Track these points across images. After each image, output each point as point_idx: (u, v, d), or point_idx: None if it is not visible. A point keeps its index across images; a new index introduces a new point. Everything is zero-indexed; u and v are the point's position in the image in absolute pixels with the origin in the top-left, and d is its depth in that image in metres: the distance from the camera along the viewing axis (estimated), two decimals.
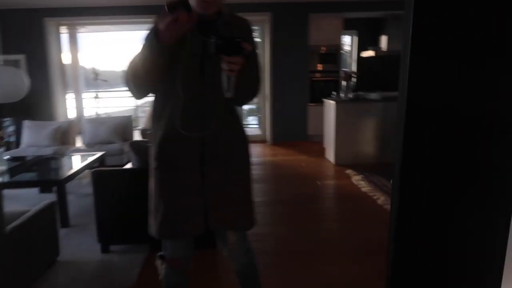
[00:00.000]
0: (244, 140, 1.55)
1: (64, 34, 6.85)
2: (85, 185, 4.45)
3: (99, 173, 2.71)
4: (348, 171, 4.91)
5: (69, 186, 3.92)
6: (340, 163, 5.29)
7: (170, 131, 1.42)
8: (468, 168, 1.11)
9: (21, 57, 6.40)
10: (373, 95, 5.31)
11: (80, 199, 4.13)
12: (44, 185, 4.10)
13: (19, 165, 3.94)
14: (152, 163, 1.50)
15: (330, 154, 5.49)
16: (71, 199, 3.95)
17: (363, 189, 4.20)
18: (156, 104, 1.48)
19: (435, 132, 1.10)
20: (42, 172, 3.76)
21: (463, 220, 1.13)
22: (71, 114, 7.11)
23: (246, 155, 1.57)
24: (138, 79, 1.35)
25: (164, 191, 1.47)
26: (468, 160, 1.11)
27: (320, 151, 5.98)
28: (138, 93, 1.42)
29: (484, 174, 1.11)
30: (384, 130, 5.27)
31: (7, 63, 6.33)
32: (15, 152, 5.04)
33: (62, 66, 6.81)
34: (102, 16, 6.41)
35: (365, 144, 5.32)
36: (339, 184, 4.46)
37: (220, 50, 1.27)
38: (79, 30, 6.92)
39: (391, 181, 1.23)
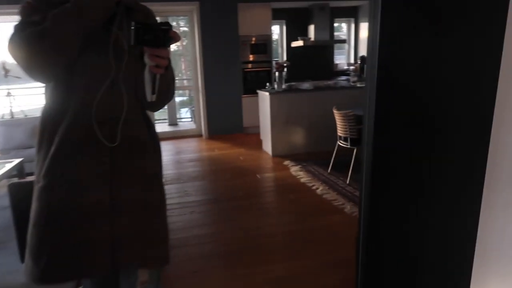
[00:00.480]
0: (158, 151, 1.31)
1: None
2: (2, 196, 3.96)
3: (17, 186, 2.38)
4: (286, 162, 4.94)
5: None
6: (278, 154, 5.31)
7: (66, 138, 1.11)
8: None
9: None
10: (306, 85, 5.39)
11: (1, 212, 3.66)
12: None
13: None
14: (39, 181, 1.15)
15: (267, 146, 5.49)
16: None
17: (302, 180, 4.24)
18: (50, 105, 1.17)
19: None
20: None
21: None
22: None
23: (160, 169, 1.31)
24: (42, 47, 1.04)
25: (54, 217, 1.12)
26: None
27: (257, 143, 5.96)
28: (34, 68, 1.08)
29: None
30: (317, 119, 5.38)
31: None
32: None
33: None
34: (7, 5, 5.72)
35: (300, 134, 5.39)
36: (279, 176, 4.47)
37: (143, 41, 1.04)
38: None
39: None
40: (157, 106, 1.32)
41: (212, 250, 2.79)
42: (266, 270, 2.46)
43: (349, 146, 4.09)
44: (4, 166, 3.66)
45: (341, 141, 4.24)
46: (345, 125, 4.02)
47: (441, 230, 1.15)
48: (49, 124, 1.15)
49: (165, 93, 1.24)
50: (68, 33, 1.05)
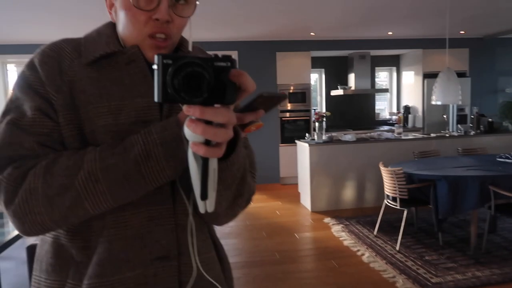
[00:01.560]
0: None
1: (12, 71, 6.28)
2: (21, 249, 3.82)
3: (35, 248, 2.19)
4: (327, 220, 4.56)
5: (10, 249, 3.32)
6: (317, 210, 4.95)
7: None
8: None
9: None
10: (347, 137, 5.09)
11: (22, 266, 3.50)
12: None
13: None
14: None
15: (306, 200, 5.15)
16: (9, 267, 3.34)
17: (345, 242, 3.84)
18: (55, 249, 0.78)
19: None
20: None
21: None
22: None
23: None
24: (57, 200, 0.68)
25: None
26: None
27: (294, 196, 5.62)
28: (36, 225, 0.70)
29: None
30: (361, 173, 5.02)
31: None
32: None
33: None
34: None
35: (342, 189, 5.03)
36: (319, 237, 4.08)
37: (176, 91, 0.52)
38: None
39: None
40: (221, 218, 0.84)
41: None
42: None
43: (398, 207, 3.68)
44: None
45: (388, 201, 3.85)
46: (394, 184, 3.64)
47: None
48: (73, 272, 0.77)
49: (230, 197, 0.77)
50: (119, 198, 0.71)
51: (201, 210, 0.65)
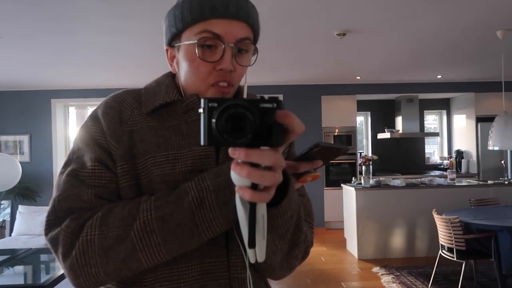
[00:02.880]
0: None
1: (72, 113, 6.74)
2: None
3: None
4: (375, 269, 4.31)
5: (58, 286, 3.40)
6: (365, 258, 4.71)
7: None
8: None
9: (25, 138, 6.21)
10: (397, 182, 4.90)
11: None
12: None
13: (2, 261, 3.45)
14: None
15: (353, 247, 4.93)
16: None
17: None
18: None
19: None
20: (27, 271, 3.27)
21: None
22: None
23: None
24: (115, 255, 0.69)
25: None
26: None
27: (340, 242, 5.41)
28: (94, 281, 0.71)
29: None
30: (412, 221, 4.77)
31: (11, 143, 6.14)
32: (4, 242, 4.57)
33: (67, 144, 6.59)
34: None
35: (391, 236, 4.78)
36: None
37: (221, 133, 0.52)
38: (88, 109, 6.82)
39: None
40: (277, 271, 0.79)
41: None
42: None
43: (455, 259, 3.42)
44: None
45: (444, 251, 3.60)
46: (449, 233, 3.42)
47: None
48: None
49: (285, 248, 0.74)
50: (173, 249, 0.70)
51: (252, 259, 0.62)
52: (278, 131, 0.53)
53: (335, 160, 6.50)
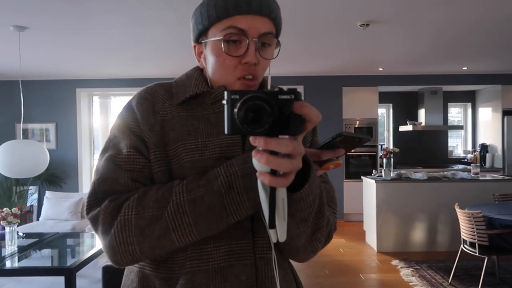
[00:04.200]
0: None
1: (96, 102, 6.88)
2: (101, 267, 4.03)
3: (111, 270, 2.30)
4: (395, 262, 4.29)
5: (84, 269, 3.53)
6: (384, 251, 4.69)
7: None
8: None
9: (51, 126, 6.39)
10: (418, 175, 4.84)
11: (94, 285, 3.70)
12: (52, 274, 3.71)
13: (30, 244, 3.60)
14: None
15: (372, 239, 4.92)
16: (84, 285, 3.53)
17: None
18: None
19: None
20: (53, 255, 3.40)
21: None
22: None
23: None
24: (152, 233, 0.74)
25: None
26: None
27: (359, 234, 5.40)
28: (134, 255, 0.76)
29: None
30: (433, 214, 4.71)
31: (38, 131, 6.33)
32: (31, 226, 4.75)
33: (91, 132, 6.75)
34: (135, 88, 6.43)
35: (411, 230, 4.74)
36: (386, 280, 3.85)
37: (243, 122, 0.56)
38: (111, 99, 6.95)
39: None
40: (301, 254, 0.84)
41: None
42: None
43: (477, 254, 3.38)
44: None
45: (466, 246, 3.55)
46: (472, 228, 3.37)
47: None
48: None
49: (308, 231, 0.77)
50: (203, 230, 0.75)
51: (273, 239, 0.67)
52: (296, 121, 0.57)
53: (355, 152, 6.45)
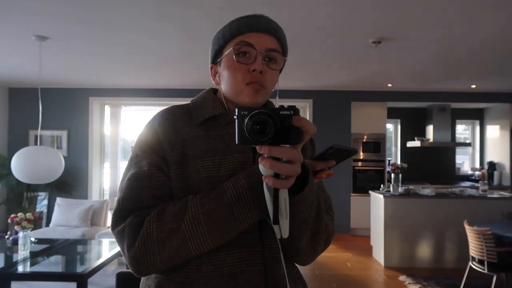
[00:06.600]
0: None
1: (107, 111, 6.98)
2: (110, 274, 4.07)
3: (125, 276, 2.35)
4: (402, 278, 4.29)
5: (93, 276, 3.56)
6: (391, 266, 4.69)
7: None
8: None
9: (63, 133, 6.49)
10: (426, 191, 4.86)
11: None
12: (64, 280, 3.75)
13: (42, 250, 3.65)
14: None
15: (379, 254, 4.92)
16: None
17: None
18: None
19: None
20: (65, 261, 3.45)
21: None
22: (107, 190, 6.96)
23: None
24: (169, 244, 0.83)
25: None
26: None
27: (366, 249, 5.40)
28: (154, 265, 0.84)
29: None
30: (441, 230, 4.71)
31: (49, 138, 6.42)
32: (42, 232, 4.81)
33: (102, 140, 6.84)
34: (145, 98, 6.53)
35: (419, 245, 4.74)
36: None
37: (250, 134, 0.68)
38: (122, 108, 7.05)
39: None
40: (303, 255, 0.92)
41: None
42: None
43: (486, 272, 3.38)
44: (116, 246, 3.78)
45: (474, 263, 3.55)
46: (481, 245, 3.38)
47: None
48: None
49: (309, 233, 0.87)
50: (216, 238, 0.83)
51: (277, 235, 0.78)
52: (295, 132, 0.69)
53: (362, 167, 6.48)
